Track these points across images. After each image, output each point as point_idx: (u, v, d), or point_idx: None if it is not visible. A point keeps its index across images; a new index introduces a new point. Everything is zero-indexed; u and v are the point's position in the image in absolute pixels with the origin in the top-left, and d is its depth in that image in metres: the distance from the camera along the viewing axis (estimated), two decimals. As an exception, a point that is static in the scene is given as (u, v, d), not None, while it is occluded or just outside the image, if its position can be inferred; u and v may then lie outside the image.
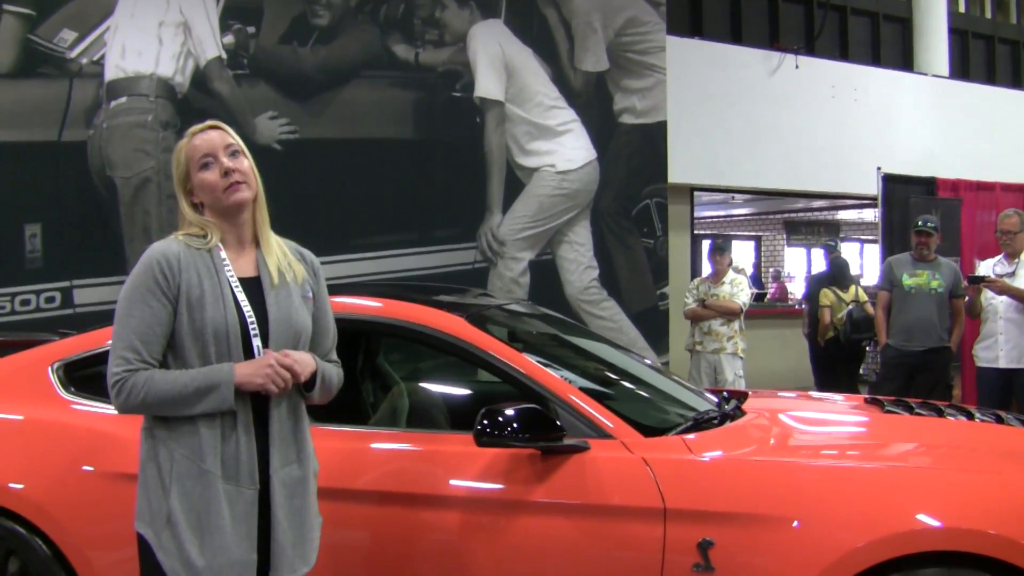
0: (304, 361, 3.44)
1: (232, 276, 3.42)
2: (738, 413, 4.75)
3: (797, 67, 14.74)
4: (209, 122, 3.55)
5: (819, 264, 15.13)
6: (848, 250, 22.11)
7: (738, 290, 10.38)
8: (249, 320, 3.39)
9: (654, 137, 11.65)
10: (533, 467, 4.03)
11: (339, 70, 9.87)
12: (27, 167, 8.60)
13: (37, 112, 8.63)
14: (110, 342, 3.40)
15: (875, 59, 16.88)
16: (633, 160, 11.45)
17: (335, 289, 4.05)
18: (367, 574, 4.22)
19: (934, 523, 3.75)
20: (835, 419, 5.27)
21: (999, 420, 5.01)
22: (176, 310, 3.34)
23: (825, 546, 3.74)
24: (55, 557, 4.35)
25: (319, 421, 4.42)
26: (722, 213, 24.66)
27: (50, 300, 8.58)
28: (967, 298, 9.06)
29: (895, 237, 12.48)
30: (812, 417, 5.23)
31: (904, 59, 17.26)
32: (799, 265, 26.58)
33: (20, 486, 4.41)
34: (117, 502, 4.07)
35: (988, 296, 8.86)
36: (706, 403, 4.93)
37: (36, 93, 8.66)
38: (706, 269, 11.46)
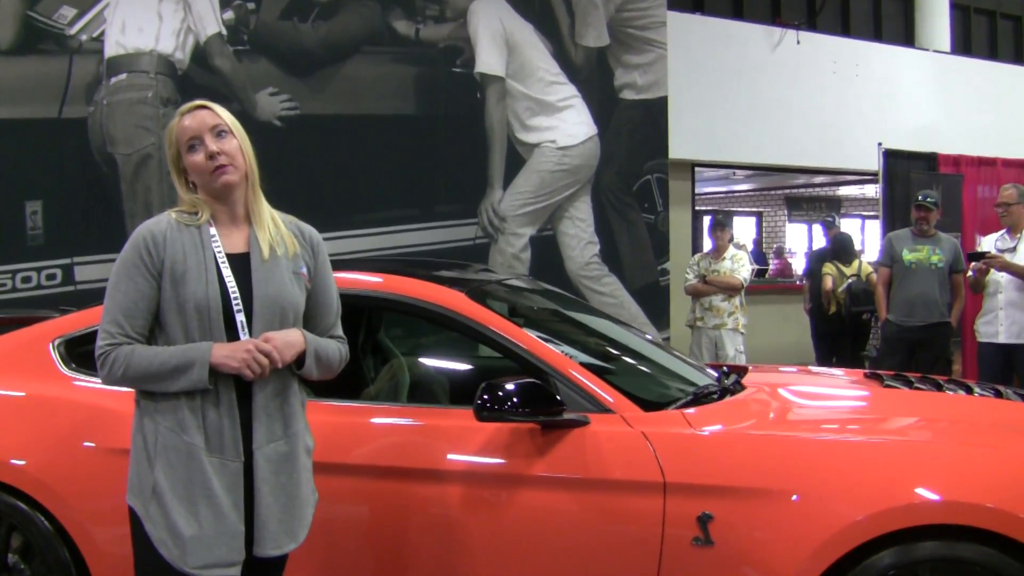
0: (289, 342, 3.43)
1: (220, 252, 3.43)
2: (738, 388, 4.75)
3: (799, 43, 14.72)
4: (197, 101, 3.55)
5: (820, 240, 15.10)
6: (849, 226, 22.12)
7: (739, 266, 10.39)
8: (233, 295, 3.39)
9: (655, 113, 11.64)
10: (533, 441, 4.04)
11: (340, 46, 9.85)
12: (28, 144, 8.60)
13: (37, 89, 8.63)
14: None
15: (877, 35, 16.88)
16: (634, 136, 11.44)
17: (336, 265, 4.04)
18: (367, 548, 4.23)
19: (933, 497, 3.76)
20: (835, 393, 5.28)
21: (998, 395, 5.01)
22: (160, 285, 3.36)
23: (824, 519, 3.75)
24: (57, 533, 4.37)
25: (320, 396, 4.45)
26: (723, 189, 24.66)
27: (51, 277, 8.59)
28: (970, 274, 9.04)
29: (896, 213, 12.47)
30: (812, 391, 5.25)
31: (906, 34, 17.26)
32: (800, 241, 26.57)
33: (22, 462, 4.42)
34: (118, 477, 4.06)
35: (991, 271, 8.85)
36: (706, 378, 4.93)
37: (36, 70, 8.65)
38: (707, 245, 11.46)
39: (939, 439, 4.27)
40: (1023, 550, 3.66)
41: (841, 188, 24.57)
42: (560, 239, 10.93)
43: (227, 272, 3.41)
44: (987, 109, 16.00)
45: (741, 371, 5.31)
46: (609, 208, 11.21)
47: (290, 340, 3.44)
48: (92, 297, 6.72)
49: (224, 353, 3.31)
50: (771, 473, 3.88)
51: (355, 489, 4.22)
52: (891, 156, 12.74)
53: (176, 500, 3.31)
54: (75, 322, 4.77)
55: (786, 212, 26.93)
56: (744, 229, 26.29)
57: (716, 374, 5.10)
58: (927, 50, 16.48)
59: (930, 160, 13.24)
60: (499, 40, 10.58)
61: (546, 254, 10.79)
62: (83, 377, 4.58)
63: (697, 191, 15.26)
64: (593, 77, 11.20)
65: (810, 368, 6.52)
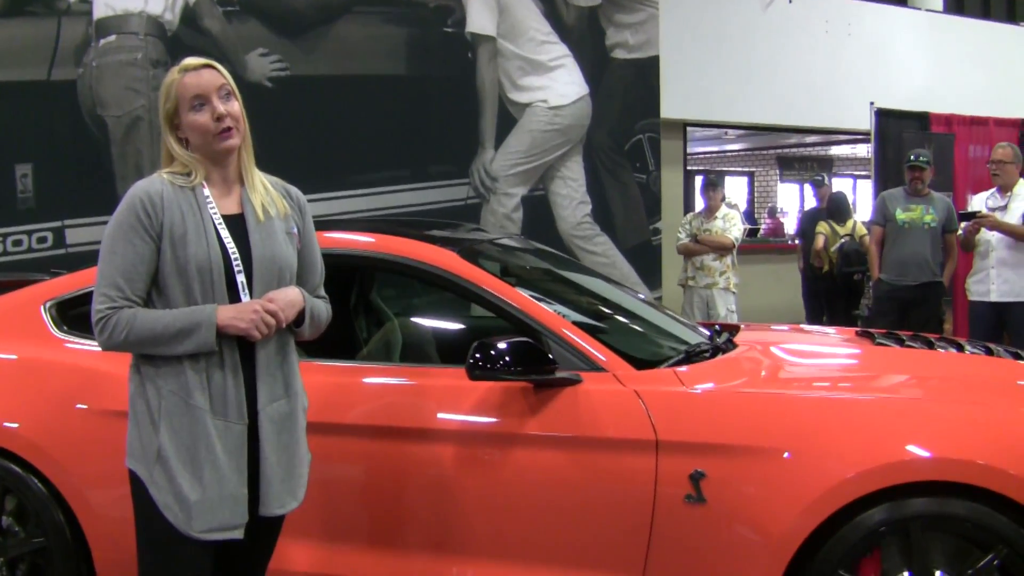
0: (291, 301, 3.45)
1: (216, 213, 3.41)
2: (730, 346, 4.76)
3: (790, 1, 14.67)
4: (202, 60, 3.50)
5: (812, 200, 15.12)
6: (841, 185, 22.12)
7: (731, 225, 10.41)
8: (233, 257, 3.38)
9: (646, 72, 11.61)
10: (526, 400, 4.05)
11: (330, 6, 9.81)
12: (17, 107, 8.56)
13: (26, 51, 8.58)
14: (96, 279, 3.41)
15: (869, -7, 16.82)
16: (626, 95, 11.42)
17: (328, 225, 4.05)
18: (361, 508, 4.25)
19: (924, 454, 3.77)
20: (826, 351, 5.29)
21: (989, 352, 5.03)
22: (160, 248, 3.33)
23: (816, 477, 3.76)
24: (52, 496, 4.38)
25: (312, 356, 4.46)
26: (715, 149, 24.63)
27: (42, 240, 8.58)
28: (960, 232, 9.06)
29: (888, 172, 12.46)
30: (803, 349, 5.25)
31: (898, -7, 17.20)
32: (792, 201, 26.57)
33: (15, 425, 4.43)
34: (112, 439, 4.08)
35: (982, 230, 8.86)
36: (698, 336, 4.94)
37: (24, 32, 8.61)
38: (699, 204, 11.46)
39: (930, 396, 4.28)
40: (1013, 506, 3.68)
41: (833, 148, 24.56)
42: (552, 199, 10.92)
43: (225, 234, 3.40)
44: (979, 68, 15.97)
45: (733, 330, 5.32)
46: (601, 168, 11.19)
47: (291, 299, 3.45)
48: (83, 260, 6.73)
49: (231, 314, 3.31)
50: (763, 431, 3.89)
51: (348, 449, 4.23)
52: (883, 115, 12.72)
53: (181, 465, 3.31)
54: (67, 284, 4.76)
55: (778, 172, 26.92)
56: (736, 189, 26.28)
57: (708, 333, 5.12)
58: (919, 9, 16.45)
59: (922, 120, 13.22)
60: (490, 0, 10.54)
61: (538, 214, 10.79)
62: (75, 339, 4.58)
63: (689, 151, 15.24)
64: (584, 36, 11.16)
65: (802, 326, 6.53)
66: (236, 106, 3.47)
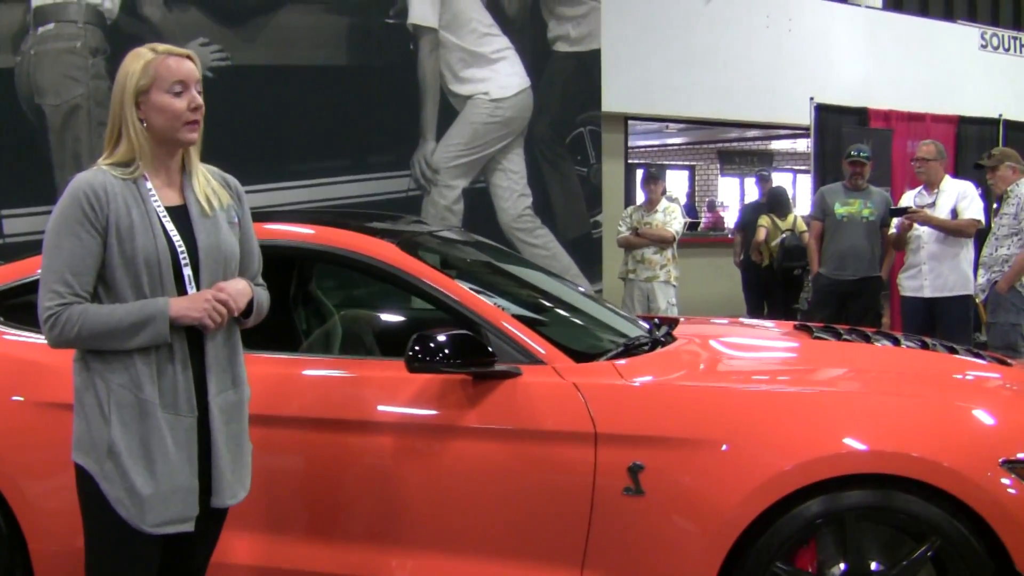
0: (239, 291, 3.45)
1: (159, 205, 3.37)
2: (669, 339, 4.78)
3: (732, -5, 14.74)
4: (182, 49, 3.46)
5: (753, 194, 15.21)
6: (781, 179, 22.23)
7: (671, 218, 10.44)
8: (179, 249, 3.36)
9: (588, 65, 11.62)
10: (465, 392, 4.05)
11: (272, -5, 9.75)
12: (-47, 94, 8.46)
13: (-38, 38, 8.48)
14: (40, 273, 3.36)
15: (809, -12, 16.91)
16: (567, 88, 11.43)
17: (268, 216, 4.03)
18: (300, 499, 4.24)
19: (860, 446, 3.81)
20: (765, 345, 5.33)
21: (925, 346, 5.09)
22: (106, 241, 3.29)
23: (753, 469, 3.80)
24: (-14, 488, 4.33)
25: (252, 348, 4.43)
26: (656, 142, 24.73)
27: (-22, 229, 8.48)
28: (892, 230, 9.14)
29: (827, 166, 12.59)
30: (742, 343, 5.29)
31: (838, -12, 17.30)
32: (732, 195, 26.72)
33: (-51, 416, 4.38)
34: (48, 431, 4.06)
35: (914, 226, 8.96)
36: (638, 329, 4.96)
37: (-40, 18, 8.50)
38: (640, 198, 11.49)
39: (867, 390, 4.32)
40: (947, 498, 3.73)
41: (773, 142, 24.70)
42: (493, 191, 10.91)
43: (170, 226, 3.36)
44: (918, 65, 16.09)
45: (672, 323, 5.34)
46: (542, 160, 11.20)
47: (240, 288, 3.45)
48: (21, 250, 6.66)
49: (184, 305, 3.29)
50: (701, 423, 3.92)
51: (288, 441, 4.22)
52: (823, 110, 12.84)
53: (133, 459, 3.28)
54: (4, 275, 4.71)
55: (719, 166, 27.08)
56: (677, 182, 26.39)
57: (648, 326, 5.13)
58: (859, 5, 16.54)
59: (861, 115, 13.36)
60: (432, -10, 10.52)
61: (479, 206, 10.78)
62: (12, 331, 4.53)
63: (630, 144, 15.28)
64: (526, 29, 11.16)
65: (741, 320, 6.57)
66: (201, 102, 3.45)
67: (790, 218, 12.17)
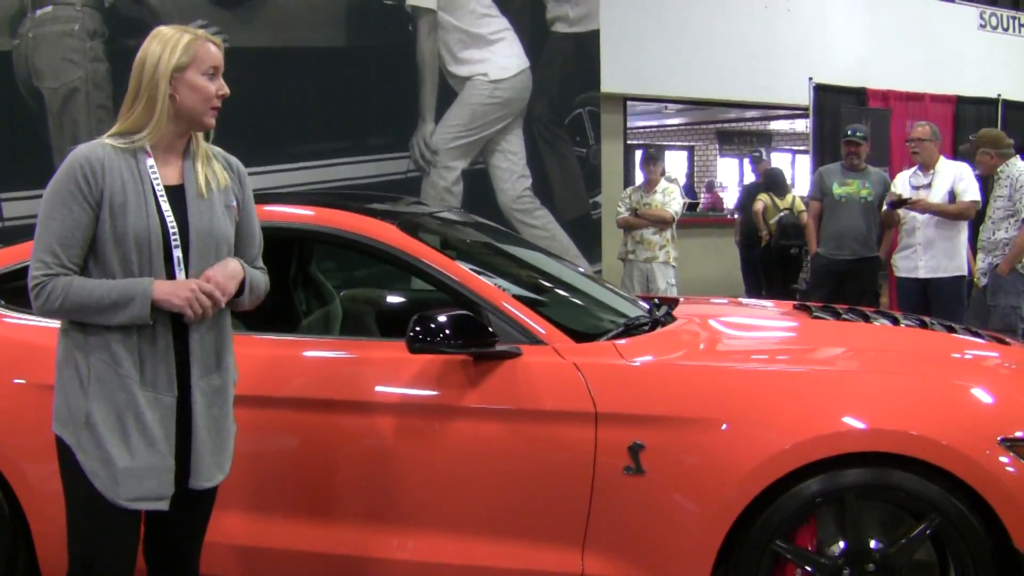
0: (230, 273, 3.45)
1: (158, 183, 3.38)
2: (668, 319, 4.80)
3: (731, -25, 14.71)
4: (216, 36, 3.49)
5: (750, 174, 15.21)
6: (780, 160, 22.26)
7: (670, 199, 10.45)
8: (171, 230, 3.36)
9: (587, 46, 11.59)
10: (465, 373, 4.06)
11: (270, -24, 9.73)
12: (-49, 78, 8.44)
13: (-41, 21, 8.46)
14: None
15: (807, -33, 16.87)
16: (566, 69, 11.40)
17: (268, 198, 4.04)
18: (302, 480, 4.25)
19: (859, 425, 3.83)
20: (764, 324, 5.35)
21: (923, 325, 5.10)
22: (99, 216, 3.30)
23: (753, 448, 3.82)
24: (-10, 471, 4.34)
25: (253, 330, 4.45)
26: (655, 123, 24.69)
27: (-23, 213, 8.47)
28: (884, 208, 9.17)
29: (826, 147, 12.59)
30: (741, 322, 5.30)
31: (837, -32, 17.26)
32: (731, 175, 26.70)
33: (-49, 400, 4.38)
34: (50, 413, 4.07)
35: (907, 211, 9.02)
36: (637, 309, 4.97)
37: (-42, 1, 8.48)
38: (639, 178, 11.49)
39: (866, 369, 4.34)
40: (946, 476, 3.75)
41: (772, 122, 24.70)
42: (492, 172, 10.90)
43: (165, 206, 3.37)
44: (916, 44, 16.05)
45: (672, 303, 5.36)
46: (541, 141, 11.18)
47: (230, 271, 3.45)
48: (20, 233, 6.65)
49: (167, 290, 3.29)
50: (701, 403, 3.94)
51: (288, 422, 4.23)
52: (821, 90, 12.84)
53: (109, 431, 3.30)
54: (3, 258, 4.71)
55: (717, 146, 27.06)
56: (676, 163, 26.37)
57: (647, 306, 5.14)
58: (857, -16, 16.53)
59: (859, 95, 13.35)
60: (430, -28, 10.50)
61: (478, 187, 10.76)
62: (13, 314, 4.53)
63: (629, 125, 15.27)
64: (525, 10, 11.12)
65: (740, 300, 6.59)
66: None
67: (788, 198, 12.18)
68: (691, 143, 27.19)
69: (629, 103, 14.40)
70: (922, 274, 8.91)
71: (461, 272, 4.32)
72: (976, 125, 13.08)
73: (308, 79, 9.82)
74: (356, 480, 4.20)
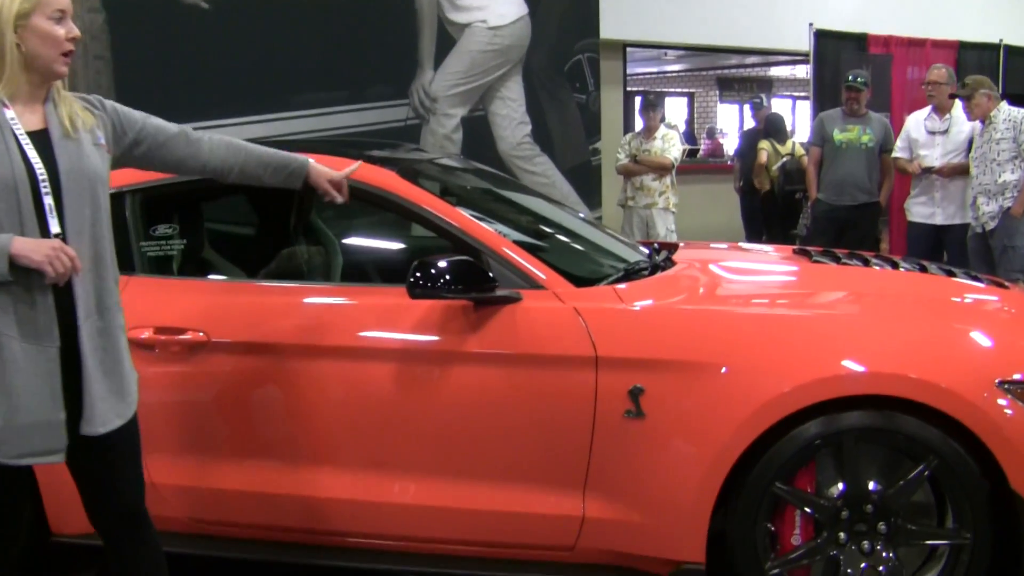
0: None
1: (19, 130, 3.27)
2: (668, 263, 4.81)
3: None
4: None
5: (750, 121, 15.16)
6: (780, 106, 22.19)
7: (669, 145, 10.44)
8: (39, 176, 3.24)
9: (586, -8, 11.56)
10: (466, 318, 4.07)
11: (267, -76, 9.67)
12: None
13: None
14: None
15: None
16: (565, 15, 11.34)
17: (267, 146, 4.02)
18: (304, 427, 4.27)
19: (858, 368, 3.85)
20: (764, 268, 5.35)
21: (923, 269, 5.11)
22: None
23: (752, 391, 3.84)
24: None
25: (253, 277, 4.47)
26: (655, 70, 24.59)
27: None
28: (899, 155, 9.19)
29: (826, 93, 12.53)
30: (741, 267, 5.30)
31: (837, -88, 17.14)
32: (731, 122, 26.63)
33: None
34: None
35: (924, 155, 9.02)
36: (637, 254, 4.98)
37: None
38: (639, 125, 11.46)
39: (865, 312, 4.34)
40: (944, 418, 3.77)
41: (772, 69, 24.59)
42: (492, 119, 10.87)
43: (31, 151, 3.26)
44: (917, -11, 15.98)
45: (672, 248, 5.36)
46: (540, 88, 11.15)
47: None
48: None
49: (28, 246, 3.17)
50: (700, 346, 3.95)
51: (290, 369, 4.25)
52: (822, 36, 12.76)
53: None
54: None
55: (718, 93, 26.97)
56: (676, 110, 26.31)
57: (647, 251, 5.15)
58: (859, -72, 16.41)
59: (860, 41, 13.27)
60: (428, -82, 10.44)
61: (478, 135, 10.74)
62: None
63: (629, 72, 15.19)
64: (524, -45, 11.09)
65: (740, 245, 6.59)
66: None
67: (789, 144, 12.16)
68: (691, 90, 27.10)
69: (629, 50, 14.33)
70: (939, 221, 9.00)
71: (461, 218, 4.32)
72: (978, 71, 13.01)
73: (307, 28, 9.78)
74: (358, 426, 4.23)
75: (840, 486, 3.92)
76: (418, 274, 3.93)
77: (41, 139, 3.30)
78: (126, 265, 4.45)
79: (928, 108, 9.21)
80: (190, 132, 3.74)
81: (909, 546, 3.97)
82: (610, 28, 12.15)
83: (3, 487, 3.37)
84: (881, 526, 3.92)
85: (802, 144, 12.09)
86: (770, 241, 11.99)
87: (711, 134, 25.20)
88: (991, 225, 8.38)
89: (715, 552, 4.01)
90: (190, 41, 8.97)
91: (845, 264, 5.09)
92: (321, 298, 4.42)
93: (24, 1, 3.26)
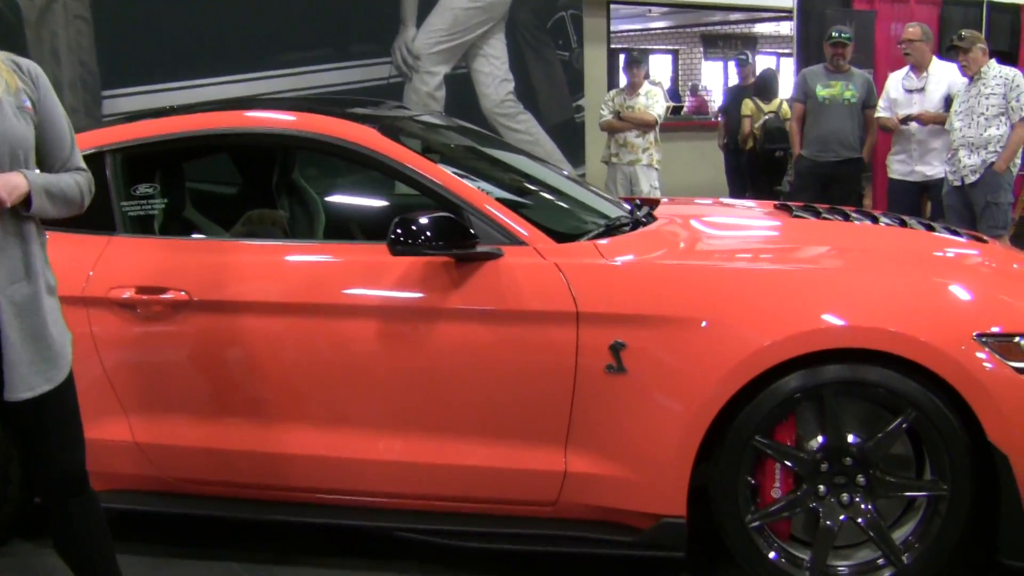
0: (11, 184, 3.22)
1: None
2: (650, 219, 4.81)
3: None
4: None
5: (735, 78, 15.14)
6: (764, 63, 22.13)
7: (653, 102, 10.44)
8: None
9: (569, -53, 11.53)
10: (448, 275, 4.08)
11: None
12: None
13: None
14: None
15: None
16: (548, -29, 11.34)
17: (249, 104, 4.02)
18: (285, 385, 4.29)
19: (838, 322, 3.86)
20: (744, 223, 5.36)
21: (903, 224, 5.12)
22: None
23: (733, 345, 3.85)
24: None
25: (235, 236, 4.47)
26: (639, 27, 24.50)
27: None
28: (882, 114, 9.22)
29: (810, 50, 12.50)
30: (722, 222, 5.32)
31: None
32: (716, 79, 26.58)
33: None
34: None
35: (904, 111, 9.06)
36: (620, 211, 4.98)
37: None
38: (623, 82, 11.45)
39: (845, 267, 4.36)
40: (923, 371, 3.80)
41: (756, 25, 24.53)
42: (475, 77, 10.85)
43: None
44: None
45: (653, 203, 5.37)
46: (524, 45, 11.13)
47: (12, 183, 3.23)
48: None
49: None
50: (681, 301, 3.96)
51: (274, 327, 4.26)
52: (806, -8, 12.74)
53: None
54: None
55: (702, 50, 26.89)
56: (660, 67, 26.24)
57: (629, 207, 5.16)
58: None
59: (844, -5, 13.26)
60: None
61: (461, 92, 10.73)
62: None
63: (613, 29, 15.16)
64: (506, -88, 11.04)
65: (721, 200, 6.60)
66: None
67: (775, 102, 12.15)
68: (675, 47, 27.01)
69: (612, 6, 14.29)
70: (918, 178, 9.10)
71: (442, 175, 4.32)
72: (962, 27, 13.03)
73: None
74: (341, 383, 4.25)
75: (820, 439, 3.95)
76: (399, 231, 3.94)
77: None
78: (107, 225, 4.46)
79: (906, 67, 9.27)
80: (68, 160, 3.55)
81: (888, 498, 4.00)
82: (594, -16, 12.13)
83: None
84: (860, 478, 3.95)
85: (787, 101, 12.08)
86: (755, 197, 12.01)
87: (695, 91, 25.15)
88: (971, 179, 8.39)
89: (697, 506, 4.04)
90: (171, 1, 8.98)
91: (825, 219, 5.11)
92: (304, 256, 4.43)
93: None
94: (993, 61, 8.50)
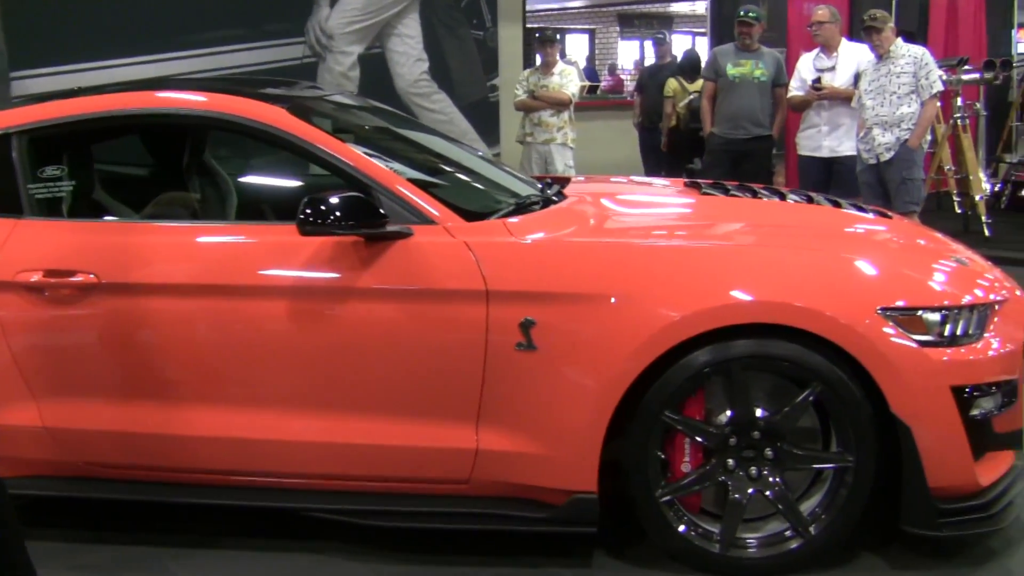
0: None
1: None
2: (560, 197, 4.84)
3: None
4: None
5: (652, 57, 15.22)
6: (680, 42, 22.29)
7: (567, 81, 10.46)
8: None
9: (482, -74, 11.53)
10: (358, 254, 4.08)
11: None
12: None
13: None
14: None
15: None
16: (462, -51, 11.34)
17: (159, 84, 3.99)
18: (194, 367, 4.26)
19: (745, 297, 3.92)
20: (654, 201, 5.41)
21: (810, 200, 5.20)
22: None
23: (642, 321, 3.89)
24: None
25: (146, 217, 4.44)
26: (556, 6, 24.59)
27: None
28: (795, 92, 9.35)
29: (724, 29, 12.67)
30: (632, 199, 5.37)
31: None
32: (632, 58, 26.71)
33: None
34: None
35: (809, 88, 9.19)
36: (530, 189, 5.01)
37: None
38: (538, 61, 11.48)
39: (753, 243, 4.43)
40: (829, 345, 3.86)
41: (672, 5, 24.70)
42: (389, 56, 10.84)
43: None
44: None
45: (564, 181, 5.40)
46: (438, 24, 11.12)
47: None
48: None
49: None
50: (590, 278, 3.99)
51: (182, 309, 4.23)
52: (720, -28, 12.86)
53: None
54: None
55: (618, 29, 27.01)
56: (577, 46, 26.32)
57: (540, 185, 5.18)
58: None
59: (758, -25, 13.37)
60: None
61: (375, 72, 10.71)
62: None
63: (529, 8, 15.16)
64: None
65: (632, 178, 6.65)
66: None
67: (699, 82, 12.25)
68: (592, 26, 27.12)
69: (528, -15, 14.31)
70: (825, 153, 9.24)
71: (352, 155, 4.31)
72: (873, 6, 13.19)
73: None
74: (252, 364, 4.23)
75: (728, 413, 4.01)
76: (308, 211, 3.94)
77: None
78: (14, 208, 4.41)
79: (817, 48, 9.42)
80: None
81: (795, 470, 4.07)
82: (508, -37, 12.13)
83: None
84: (768, 452, 4.01)
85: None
86: (669, 175, 12.09)
87: (612, 70, 25.25)
88: (886, 156, 8.52)
89: (608, 481, 4.07)
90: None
91: (734, 196, 5.16)
92: (214, 237, 4.40)
93: None
94: (900, 40, 8.64)
